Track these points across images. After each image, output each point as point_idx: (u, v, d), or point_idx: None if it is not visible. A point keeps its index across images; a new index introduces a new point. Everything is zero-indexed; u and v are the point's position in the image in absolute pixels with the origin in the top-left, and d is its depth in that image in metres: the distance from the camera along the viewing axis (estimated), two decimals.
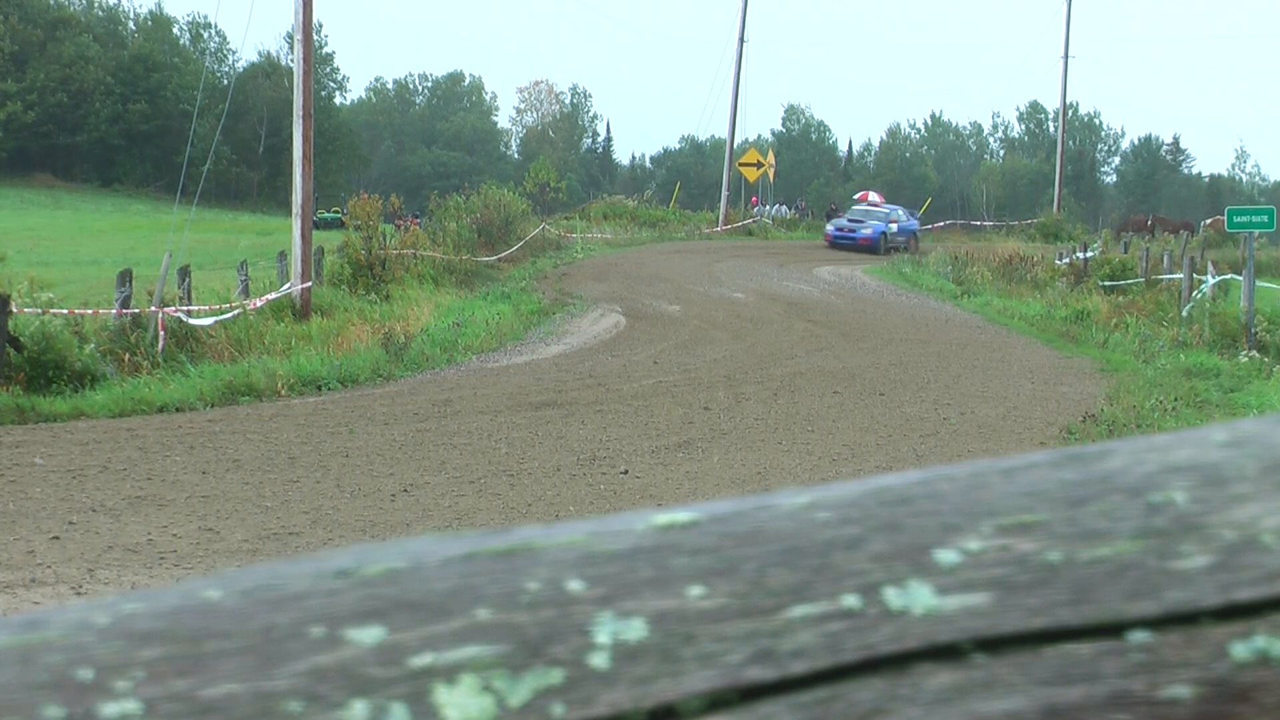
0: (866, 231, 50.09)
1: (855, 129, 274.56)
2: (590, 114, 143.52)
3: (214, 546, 9.29)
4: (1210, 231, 56.86)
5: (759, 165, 62.11)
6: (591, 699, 0.70)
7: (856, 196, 79.30)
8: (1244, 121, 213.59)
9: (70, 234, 49.90)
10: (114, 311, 18.38)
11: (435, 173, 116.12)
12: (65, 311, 17.81)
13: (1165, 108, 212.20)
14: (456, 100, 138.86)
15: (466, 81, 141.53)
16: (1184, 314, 24.39)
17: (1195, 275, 26.93)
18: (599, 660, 0.71)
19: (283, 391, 16.63)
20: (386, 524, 9.95)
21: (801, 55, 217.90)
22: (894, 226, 50.68)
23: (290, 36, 25.31)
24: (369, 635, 0.71)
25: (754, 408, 15.27)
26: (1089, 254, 37.64)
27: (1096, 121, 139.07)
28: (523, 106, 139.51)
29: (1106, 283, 32.69)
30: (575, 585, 0.74)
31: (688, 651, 0.71)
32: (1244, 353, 21.10)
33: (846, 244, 49.63)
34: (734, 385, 17.02)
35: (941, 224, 74.09)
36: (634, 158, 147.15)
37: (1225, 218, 25.01)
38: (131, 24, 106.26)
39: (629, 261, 38.84)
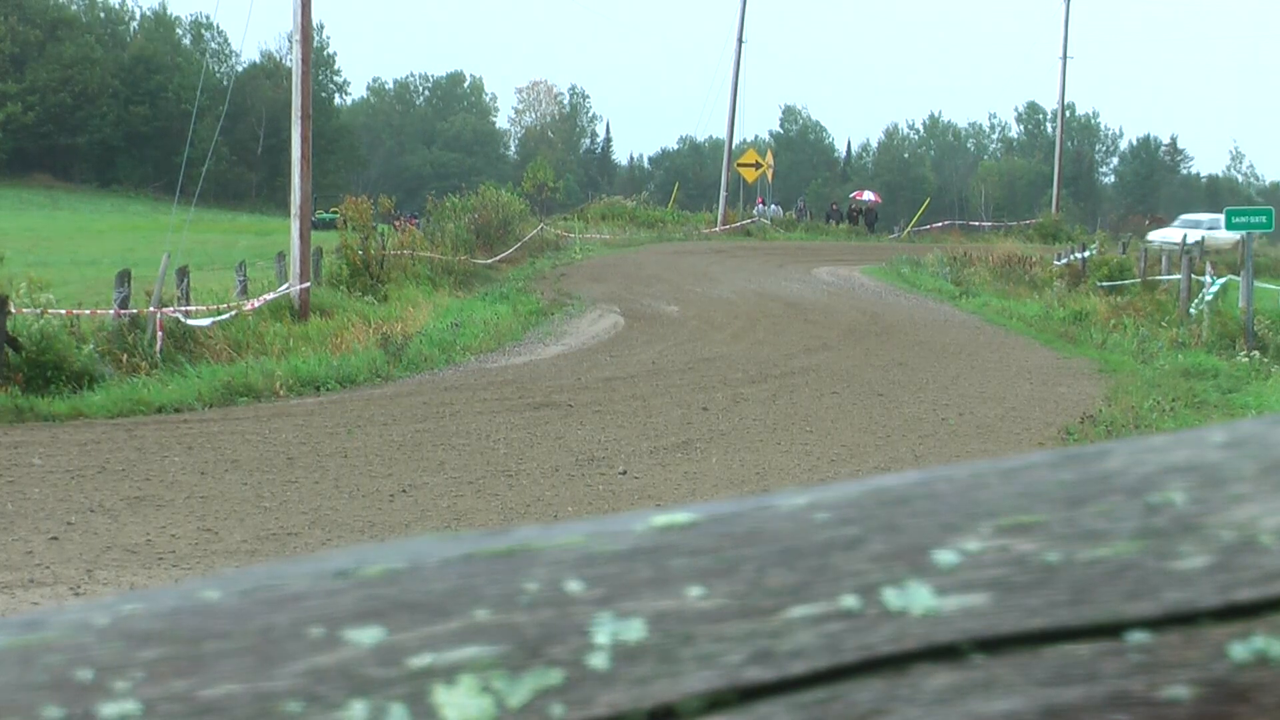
0: None
1: (853, 130, 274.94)
2: (589, 114, 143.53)
3: (213, 547, 9.29)
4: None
5: (757, 166, 62.14)
6: (591, 699, 0.70)
7: (853, 195, 79.19)
8: (1239, 122, 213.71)
9: (69, 234, 49.88)
10: (112, 312, 18.37)
11: (435, 173, 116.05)
12: (64, 312, 17.80)
13: (1163, 108, 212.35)
14: (456, 101, 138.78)
15: (466, 82, 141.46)
16: (1190, 312, 24.36)
17: (1194, 276, 26.92)
18: (598, 661, 0.71)
19: (281, 392, 16.63)
20: (385, 524, 9.94)
21: (800, 56, 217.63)
22: None
23: (291, 37, 25.30)
24: (368, 636, 0.71)
25: (753, 408, 15.27)
26: (1087, 254, 37.61)
27: (1095, 122, 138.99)
28: (522, 107, 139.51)
29: (1105, 283, 32.69)
30: (574, 586, 0.74)
31: (687, 652, 0.71)
32: (1243, 353, 21.09)
33: None
34: (732, 386, 17.02)
35: (940, 224, 74.10)
36: (632, 158, 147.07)
37: (1224, 218, 25.01)
38: (134, 24, 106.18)
39: (627, 262, 38.84)
